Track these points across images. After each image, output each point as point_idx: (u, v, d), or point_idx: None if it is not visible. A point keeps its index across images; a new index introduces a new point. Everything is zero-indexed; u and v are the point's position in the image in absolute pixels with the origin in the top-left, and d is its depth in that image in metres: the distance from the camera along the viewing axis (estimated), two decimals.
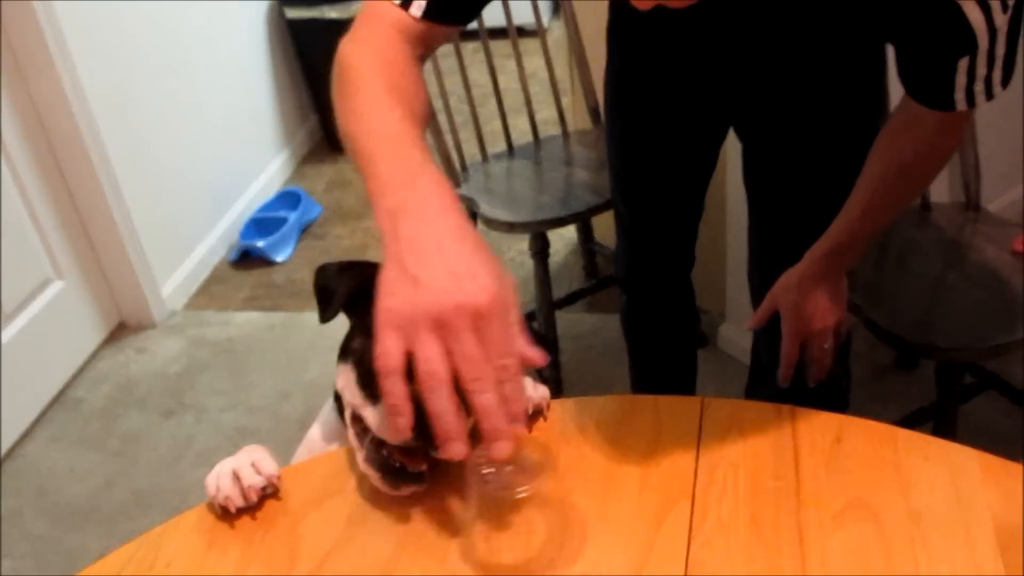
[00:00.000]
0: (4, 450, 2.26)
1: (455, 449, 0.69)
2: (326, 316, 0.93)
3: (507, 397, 0.69)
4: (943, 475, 0.81)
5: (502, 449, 0.69)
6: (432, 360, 0.68)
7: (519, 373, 0.70)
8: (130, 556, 0.85)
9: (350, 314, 0.94)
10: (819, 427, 0.88)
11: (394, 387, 0.69)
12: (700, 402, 0.92)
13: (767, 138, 1.35)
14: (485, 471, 0.77)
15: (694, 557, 0.76)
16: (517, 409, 0.70)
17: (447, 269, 0.70)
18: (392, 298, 0.70)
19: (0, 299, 2.24)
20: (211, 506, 0.89)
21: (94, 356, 2.58)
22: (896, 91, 1.12)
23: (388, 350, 0.69)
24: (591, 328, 2.46)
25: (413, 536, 0.82)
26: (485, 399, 0.68)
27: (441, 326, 0.68)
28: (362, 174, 0.78)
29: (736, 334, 2.25)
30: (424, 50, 0.95)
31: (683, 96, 1.37)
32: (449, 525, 0.83)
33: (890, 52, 1.09)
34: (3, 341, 2.25)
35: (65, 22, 2.29)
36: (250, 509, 0.88)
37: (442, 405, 0.68)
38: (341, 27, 3.36)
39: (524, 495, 0.77)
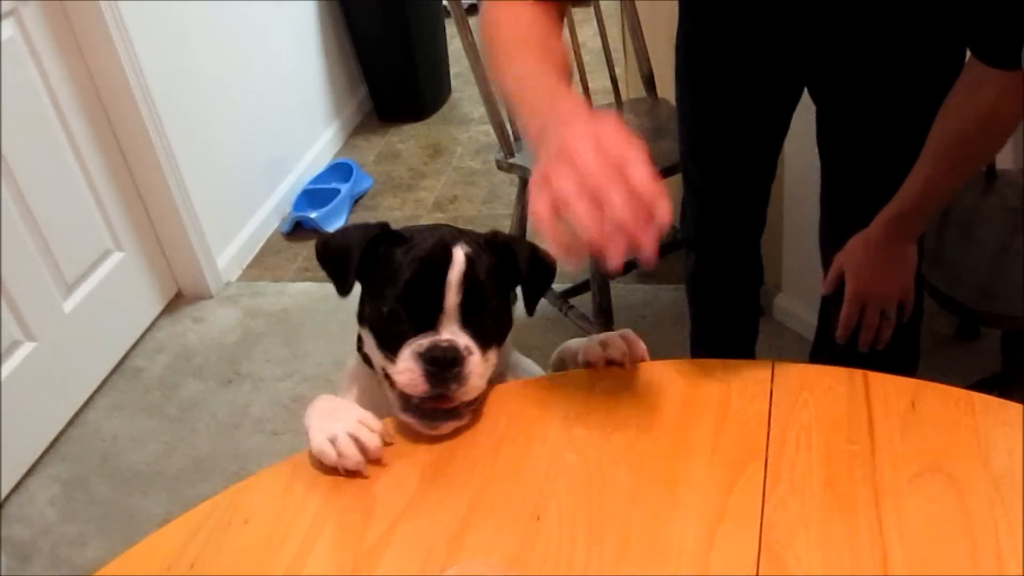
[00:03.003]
0: (68, 418, 2.31)
1: (616, 246, 0.73)
2: (344, 289, 0.97)
3: (634, 187, 0.74)
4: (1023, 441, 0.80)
5: (647, 256, 0.74)
6: (563, 180, 0.75)
7: (642, 153, 0.76)
8: (207, 514, 0.86)
9: (361, 278, 0.98)
10: (893, 391, 0.87)
11: (551, 231, 0.76)
12: (771, 366, 0.92)
13: (842, 100, 1.33)
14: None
15: (768, 519, 0.76)
16: (651, 188, 0.74)
17: (578, 134, 0.79)
18: (539, 166, 0.80)
19: (62, 269, 2.28)
20: (322, 467, 0.89)
21: (153, 326, 2.63)
22: None
23: (536, 208, 0.77)
24: (644, 299, 2.45)
25: (485, 495, 0.83)
26: (613, 197, 0.73)
27: (566, 153, 0.76)
28: (517, 113, 0.91)
29: (792, 305, 2.23)
30: (559, 10, 1.04)
31: (757, 58, 1.35)
32: (522, 483, 0.83)
33: None
34: (66, 311, 2.30)
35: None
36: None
37: (580, 212, 0.73)
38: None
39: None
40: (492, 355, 0.92)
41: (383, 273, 0.94)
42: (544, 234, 0.77)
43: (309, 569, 0.78)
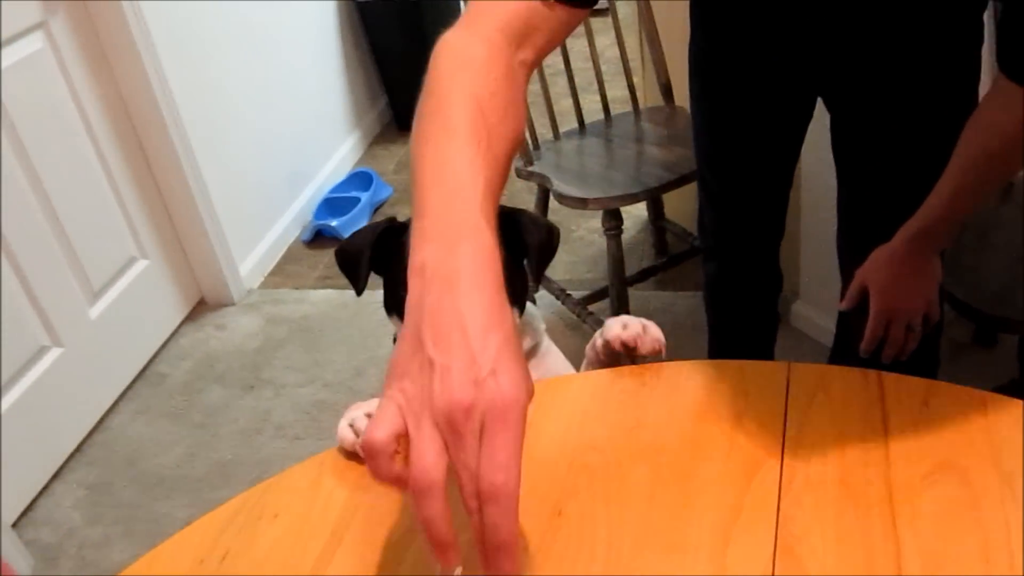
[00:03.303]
0: (93, 422, 2.35)
1: (448, 559, 0.60)
2: (359, 287, 1.02)
3: (490, 521, 0.58)
4: None
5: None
6: (427, 459, 0.59)
7: (511, 496, 0.59)
8: (237, 509, 0.89)
9: (380, 271, 1.03)
10: (906, 391, 0.88)
11: (379, 470, 0.62)
12: (786, 367, 0.93)
13: (856, 108, 1.34)
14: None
15: (784, 513, 0.78)
16: (501, 537, 0.58)
17: (466, 359, 0.60)
18: (403, 379, 0.62)
19: (88, 276, 2.33)
20: (345, 453, 0.93)
21: (176, 333, 2.67)
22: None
23: (380, 428, 0.61)
24: (661, 305, 2.47)
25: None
26: (479, 520, 0.59)
27: (447, 425, 0.59)
28: (414, 206, 0.69)
29: (810, 312, 2.24)
30: (533, 52, 0.84)
31: (770, 70, 1.36)
32: (543, 480, 0.85)
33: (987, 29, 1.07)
34: (92, 317, 2.34)
35: (149, 13, 2.37)
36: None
37: (431, 512, 0.59)
38: (410, 9, 3.39)
39: None
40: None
41: (397, 261, 1.00)
42: (370, 466, 0.61)
43: (338, 562, 0.81)
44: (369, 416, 0.92)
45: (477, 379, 0.59)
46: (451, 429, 0.59)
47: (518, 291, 0.99)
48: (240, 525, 0.88)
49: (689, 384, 0.95)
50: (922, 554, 0.73)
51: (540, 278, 1.01)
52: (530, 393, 0.62)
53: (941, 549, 0.73)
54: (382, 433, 0.60)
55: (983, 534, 0.74)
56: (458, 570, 0.64)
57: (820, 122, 1.45)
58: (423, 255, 0.65)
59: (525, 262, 1.04)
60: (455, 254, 0.64)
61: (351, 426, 0.93)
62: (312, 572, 0.80)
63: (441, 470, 0.59)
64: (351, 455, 0.93)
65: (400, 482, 0.61)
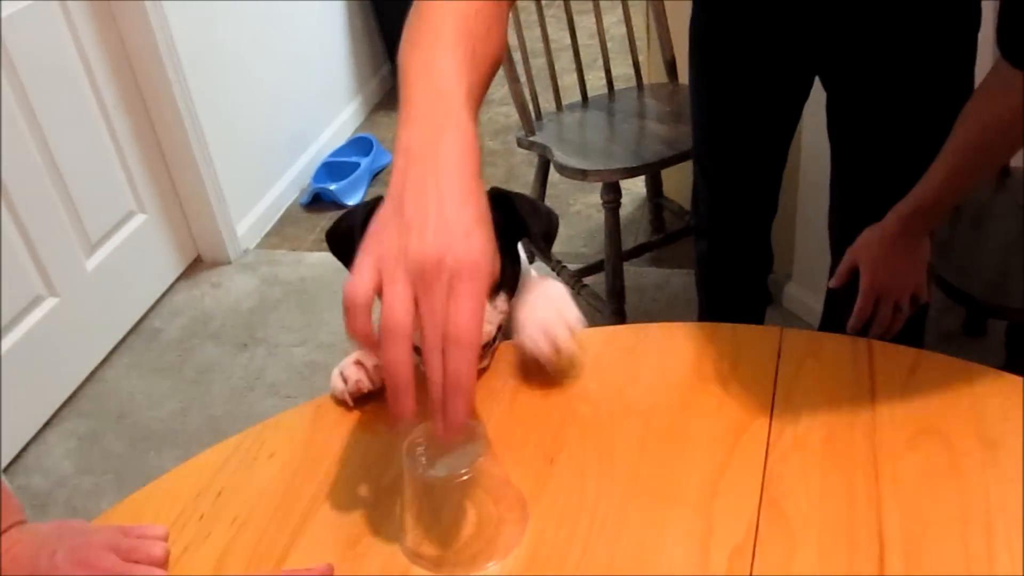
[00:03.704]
0: (86, 373, 2.36)
1: (405, 403, 0.65)
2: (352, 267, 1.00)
3: (452, 364, 0.63)
4: (1017, 409, 0.83)
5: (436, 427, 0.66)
6: (397, 307, 0.64)
7: (473, 343, 0.64)
8: (235, 447, 0.91)
9: None
10: (895, 358, 0.90)
11: (356, 322, 0.66)
12: (779, 332, 0.95)
13: (853, 88, 1.35)
14: (421, 454, 0.74)
15: (771, 470, 0.80)
16: (460, 381, 0.64)
17: (442, 222, 0.65)
18: (380, 234, 0.67)
19: (86, 228, 2.33)
20: (336, 401, 0.95)
21: (171, 288, 2.68)
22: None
23: (359, 282, 0.65)
24: (655, 281, 2.48)
25: (501, 438, 0.87)
26: (438, 368, 0.64)
27: (419, 276, 0.64)
28: (402, 96, 0.73)
29: (802, 294, 2.26)
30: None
31: (769, 47, 1.38)
32: (536, 429, 0.87)
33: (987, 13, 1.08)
34: (88, 269, 2.35)
35: None
36: (374, 397, 0.94)
37: (397, 355, 0.64)
38: None
39: (465, 478, 0.73)
40: (501, 302, 0.95)
41: None
42: (349, 319, 0.66)
43: (331, 501, 0.83)
44: (358, 363, 0.94)
45: (451, 238, 0.64)
46: (422, 280, 0.64)
47: (509, 274, 0.99)
48: (237, 463, 0.90)
49: (683, 345, 0.97)
50: (902, 513, 0.75)
51: (548, 253, 1.01)
52: (496, 267, 0.67)
53: (921, 508, 0.75)
54: (363, 288, 0.65)
55: (962, 497, 0.76)
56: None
57: (822, 104, 1.47)
58: (409, 137, 0.70)
59: (519, 245, 1.04)
60: (439, 142, 0.69)
61: (342, 374, 0.95)
62: (305, 510, 0.82)
63: (409, 320, 0.64)
64: (342, 403, 0.94)
65: (370, 338, 0.65)
